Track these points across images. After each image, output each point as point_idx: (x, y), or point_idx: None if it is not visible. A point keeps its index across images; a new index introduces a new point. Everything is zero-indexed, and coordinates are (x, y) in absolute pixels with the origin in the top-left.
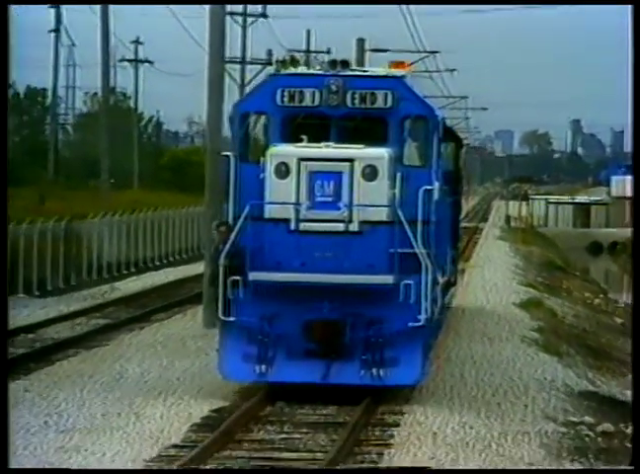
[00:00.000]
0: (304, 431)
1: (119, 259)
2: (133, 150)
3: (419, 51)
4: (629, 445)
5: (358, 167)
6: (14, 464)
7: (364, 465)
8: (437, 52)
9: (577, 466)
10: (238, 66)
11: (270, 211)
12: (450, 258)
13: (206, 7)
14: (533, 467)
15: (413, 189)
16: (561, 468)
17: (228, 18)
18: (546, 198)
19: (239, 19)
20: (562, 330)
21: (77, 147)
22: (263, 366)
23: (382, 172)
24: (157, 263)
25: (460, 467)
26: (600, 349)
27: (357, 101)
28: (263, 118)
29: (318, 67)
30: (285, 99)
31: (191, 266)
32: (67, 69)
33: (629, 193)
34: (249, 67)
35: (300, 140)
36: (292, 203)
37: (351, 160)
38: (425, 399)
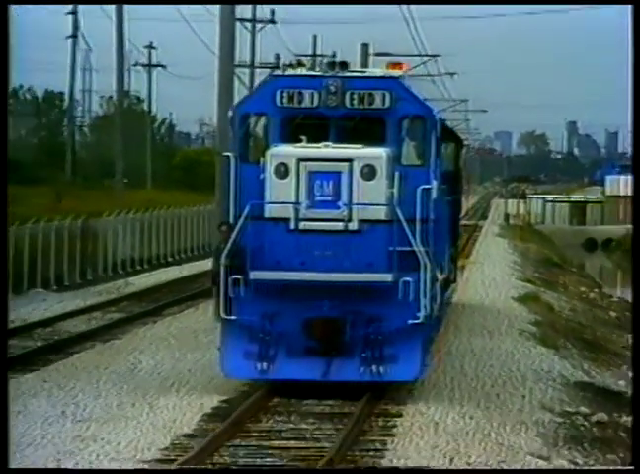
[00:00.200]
0: (311, 420)
1: (132, 255)
2: (147, 151)
3: (420, 55)
4: (623, 434)
5: (356, 166)
6: (20, 461)
7: (370, 453)
8: (437, 56)
9: (573, 454)
10: (247, 70)
11: (270, 211)
12: (450, 256)
13: (217, 13)
14: (533, 467)
15: (411, 188)
16: (561, 468)
17: (238, 23)
18: (543, 197)
19: (248, 24)
20: (559, 323)
21: (93, 148)
22: (264, 364)
23: (381, 171)
24: (169, 259)
25: (461, 456)
26: (595, 341)
27: (355, 101)
28: (263, 119)
29: (317, 69)
30: (285, 100)
31: (202, 262)
32: (84, 73)
33: (623, 191)
34: (258, 71)
35: (300, 141)
36: (292, 203)
37: (349, 160)
38: (426, 390)
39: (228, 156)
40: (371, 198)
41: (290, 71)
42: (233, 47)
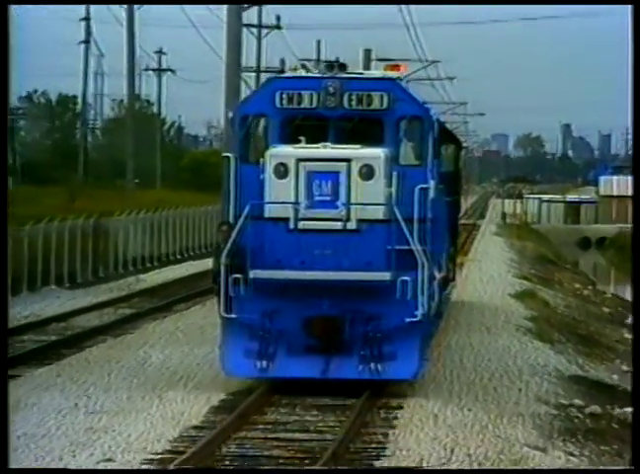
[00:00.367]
0: (314, 413)
1: (143, 253)
2: (156, 152)
3: (421, 60)
4: (616, 426)
5: (355, 167)
6: (35, 451)
7: (372, 445)
8: (437, 62)
9: (568, 445)
10: (253, 74)
11: (269, 211)
12: (448, 255)
13: (224, 19)
14: (532, 467)
15: (409, 187)
16: (561, 468)
17: (244, 29)
18: (539, 197)
19: (254, 30)
20: (554, 319)
21: (105, 150)
22: (264, 362)
23: (379, 171)
24: (179, 257)
25: (460, 446)
26: (589, 336)
27: (353, 102)
28: (262, 120)
29: (316, 70)
30: (284, 101)
31: (209, 259)
32: (96, 78)
33: (616, 191)
34: (263, 75)
35: (299, 141)
36: (291, 203)
37: (348, 160)
38: (426, 383)
39: (228, 157)
40: (370, 198)
41: (289, 73)
42: (240, 52)
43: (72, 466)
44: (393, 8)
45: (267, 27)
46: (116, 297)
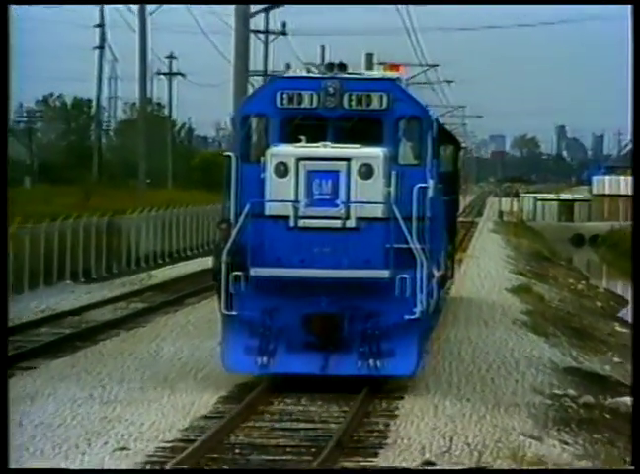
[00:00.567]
0: (319, 403)
1: (155, 250)
2: (168, 153)
3: (421, 65)
4: (608, 416)
5: (354, 166)
6: (52, 440)
7: (374, 434)
8: (437, 66)
9: (562, 434)
10: (260, 78)
11: (270, 209)
12: (447, 253)
13: (232, 25)
14: (533, 466)
15: (408, 186)
16: (561, 468)
17: (252, 35)
18: (535, 196)
19: (261, 36)
20: (549, 313)
21: (118, 151)
22: (264, 359)
23: (378, 170)
24: (189, 253)
25: (459, 436)
26: (582, 329)
27: (353, 102)
28: (263, 120)
29: (316, 71)
30: (285, 101)
31: None
32: (110, 82)
33: (608, 190)
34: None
35: (299, 141)
36: (291, 201)
37: (347, 159)
38: (426, 375)
39: (230, 156)
40: (369, 197)
41: (289, 73)
42: (247, 57)
43: (87, 455)
44: (395, 14)
45: (273, 32)
46: (128, 292)
